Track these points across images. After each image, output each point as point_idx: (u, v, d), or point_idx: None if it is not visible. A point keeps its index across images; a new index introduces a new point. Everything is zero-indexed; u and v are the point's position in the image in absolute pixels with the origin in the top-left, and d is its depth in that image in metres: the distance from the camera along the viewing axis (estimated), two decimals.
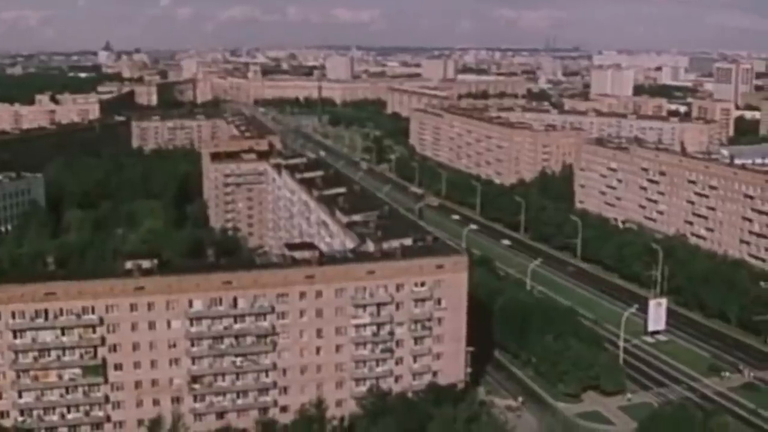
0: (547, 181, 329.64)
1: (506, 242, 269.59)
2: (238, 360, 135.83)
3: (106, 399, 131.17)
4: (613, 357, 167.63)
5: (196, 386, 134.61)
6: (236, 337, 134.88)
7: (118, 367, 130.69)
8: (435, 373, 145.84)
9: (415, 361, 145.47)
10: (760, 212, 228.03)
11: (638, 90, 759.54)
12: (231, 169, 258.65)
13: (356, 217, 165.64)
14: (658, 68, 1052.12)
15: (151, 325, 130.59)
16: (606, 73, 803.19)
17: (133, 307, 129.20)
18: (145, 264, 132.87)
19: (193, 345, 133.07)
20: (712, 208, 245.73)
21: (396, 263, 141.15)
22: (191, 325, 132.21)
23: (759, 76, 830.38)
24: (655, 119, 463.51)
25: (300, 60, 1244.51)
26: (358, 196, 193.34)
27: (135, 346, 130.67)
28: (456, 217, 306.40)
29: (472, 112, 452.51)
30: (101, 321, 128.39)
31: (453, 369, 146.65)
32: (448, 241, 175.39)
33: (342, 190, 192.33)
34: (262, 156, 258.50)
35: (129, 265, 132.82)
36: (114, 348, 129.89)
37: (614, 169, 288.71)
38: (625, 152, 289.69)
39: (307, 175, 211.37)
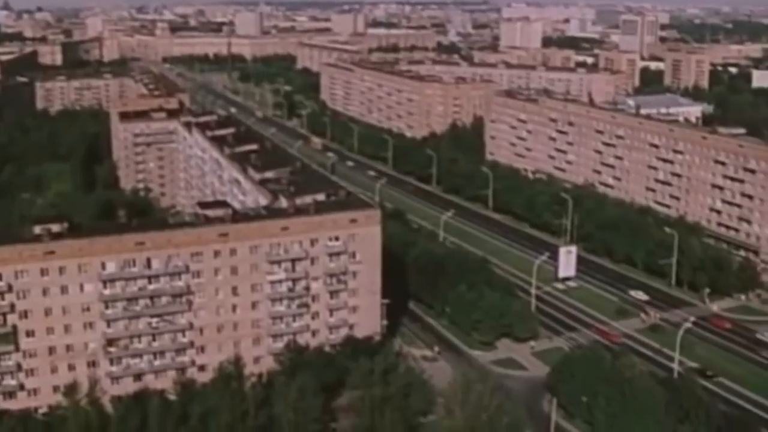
0: (458, 134, 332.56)
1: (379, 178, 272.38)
2: (154, 321, 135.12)
3: (19, 367, 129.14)
4: (526, 304, 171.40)
5: (112, 349, 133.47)
6: (151, 297, 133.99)
7: (29, 333, 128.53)
8: (351, 327, 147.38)
9: (331, 315, 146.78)
10: (665, 161, 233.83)
11: (546, 42, 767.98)
12: (140, 128, 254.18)
13: (269, 174, 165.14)
14: (566, 21, 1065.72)
15: (64, 290, 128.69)
16: (515, 25, 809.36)
17: (43, 272, 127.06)
18: (55, 228, 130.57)
19: (107, 308, 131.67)
20: (619, 158, 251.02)
21: (309, 219, 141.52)
22: (105, 287, 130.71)
23: (663, 27, 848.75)
24: (563, 71, 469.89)
25: (208, 16, 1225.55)
26: (271, 152, 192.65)
27: (47, 312, 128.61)
28: (368, 171, 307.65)
29: (383, 66, 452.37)
30: (9, 288, 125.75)
31: (369, 322, 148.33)
32: (361, 195, 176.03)
33: (254, 147, 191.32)
34: (172, 114, 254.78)
35: (38, 229, 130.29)
36: (25, 314, 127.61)
37: (524, 121, 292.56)
38: (534, 104, 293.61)
39: (218, 132, 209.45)
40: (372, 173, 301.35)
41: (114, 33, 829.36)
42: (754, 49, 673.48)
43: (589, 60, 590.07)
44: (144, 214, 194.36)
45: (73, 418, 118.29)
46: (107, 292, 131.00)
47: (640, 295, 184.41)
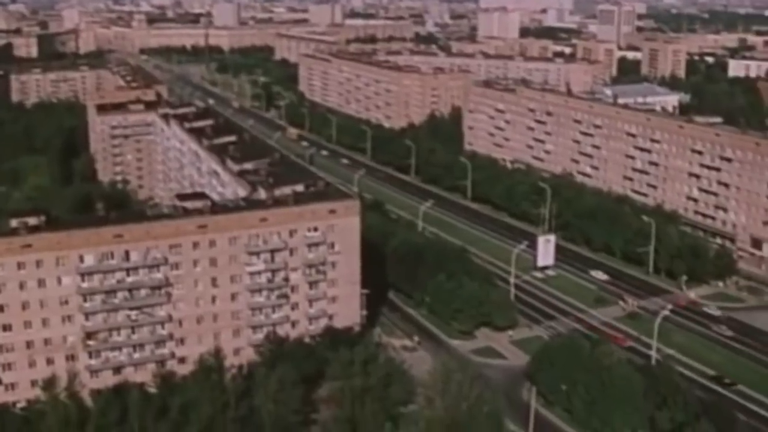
0: (437, 124, 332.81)
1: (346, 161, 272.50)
2: (133, 313, 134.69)
3: None
4: (505, 293, 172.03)
5: (91, 342, 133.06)
6: (130, 290, 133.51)
7: (7, 327, 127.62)
8: (331, 317, 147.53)
9: (311, 305, 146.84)
10: (642, 150, 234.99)
11: (524, 32, 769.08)
12: (118, 120, 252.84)
13: (247, 165, 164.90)
14: (543, 11, 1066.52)
15: (41, 283, 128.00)
16: (492, 15, 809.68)
17: (20, 266, 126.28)
18: (32, 221, 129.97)
19: (85, 301, 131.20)
20: (597, 147, 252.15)
21: (288, 209, 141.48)
22: (83, 280, 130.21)
23: (640, 17, 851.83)
24: (541, 61, 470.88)
25: (186, 7, 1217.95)
26: (249, 144, 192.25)
27: (24, 305, 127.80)
28: (347, 162, 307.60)
29: (361, 57, 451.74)
30: None
31: (348, 312, 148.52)
32: (339, 186, 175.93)
33: (232, 138, 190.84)
34: (150, 106, 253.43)
35: (14, 223, 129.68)
36: (1, 308, 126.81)
37: (502, 111, 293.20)
38: (512, 93, 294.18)
39: (197, 124, 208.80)
40: (350, 164, 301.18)
41: (90, 25, 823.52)
42: (730, 39, 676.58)
43: (567, 50, 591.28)
44: (122, 207, 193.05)
45: (51, 413, 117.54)
46: (85, 285, 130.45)
47: (600, 275, 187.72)
